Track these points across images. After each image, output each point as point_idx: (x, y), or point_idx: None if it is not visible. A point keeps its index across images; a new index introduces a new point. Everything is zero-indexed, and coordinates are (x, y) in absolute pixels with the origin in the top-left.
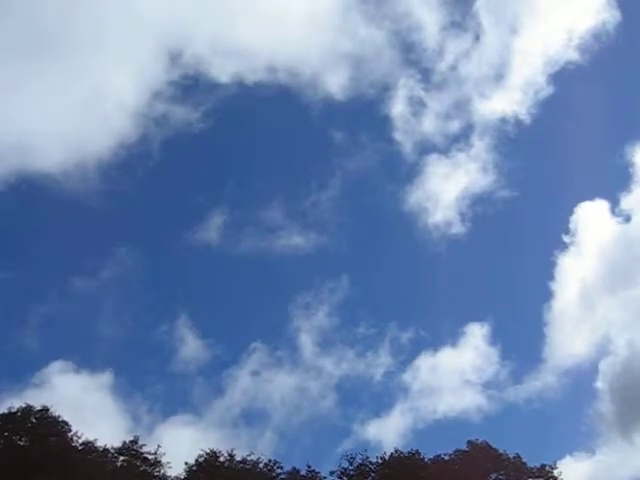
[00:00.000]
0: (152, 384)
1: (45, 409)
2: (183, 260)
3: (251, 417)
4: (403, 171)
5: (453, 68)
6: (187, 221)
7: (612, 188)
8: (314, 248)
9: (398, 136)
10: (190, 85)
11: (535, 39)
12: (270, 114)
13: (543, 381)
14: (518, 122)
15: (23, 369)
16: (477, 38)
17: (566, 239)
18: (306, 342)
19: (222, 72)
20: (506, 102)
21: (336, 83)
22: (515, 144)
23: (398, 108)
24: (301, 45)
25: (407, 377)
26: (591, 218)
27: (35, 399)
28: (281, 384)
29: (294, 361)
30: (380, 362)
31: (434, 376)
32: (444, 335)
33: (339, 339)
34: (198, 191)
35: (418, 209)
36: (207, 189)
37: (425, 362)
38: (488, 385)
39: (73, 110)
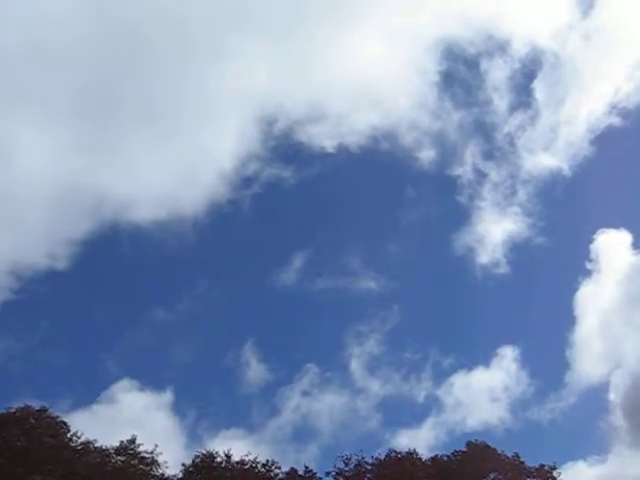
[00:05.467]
0: (212, 404)
1: (43, 409)
2: (260, 296)
3: (299, 433)
4: (460, 221)
5: (511, 142)
6: (270, 264)
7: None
8: (382, 290)
9: (461, 199)
10: (284, 148)
11: (581, 107)
12: (359, 176)
13: (565, 402)
14: (562, 177)
15: (96, 386)
16: (535, 113)
17: (589, 266)
18: (357, 365)
19: (317, 137)
20: (552, 161)
21: (425, 156)
22: (556, 196)
23: (465, 175)
24: (393, 119)
25: (441, 393)
26: (612, 246)
27: (99, 412)
28: (330, 403)
29: (343, 382)
30: (422, 384)
31: (466, 393)
32: (479, 356)
33: (386, 362)
34: (284, 241)
35: (468, 251)
36: (294, 239)
37: (459, 380)
38: (514, 403)
39: (172, 170)
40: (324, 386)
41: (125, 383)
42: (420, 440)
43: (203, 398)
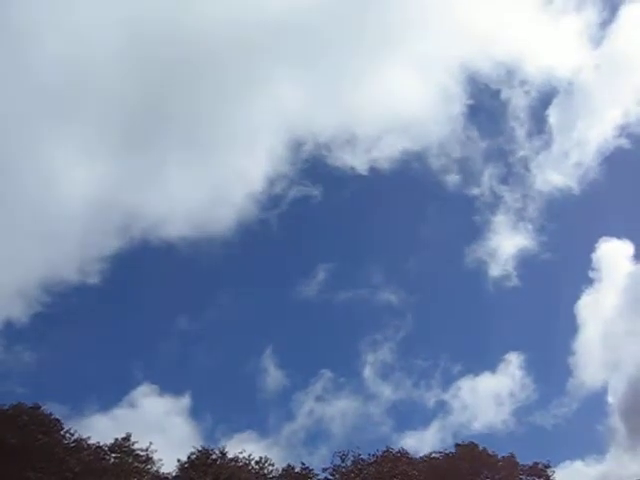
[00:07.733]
0: (230, 409)
1: (36, 406)
2: (283, 306)
3: (312, 436)
4: (474, 236)
5: (526, 165)
6: (294, 276)
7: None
8: (399, 301)
9: (477, 216)
10: (313, 169)
11: (591, 130)
12: (383, 197)
13: (568, 407)
14: (571, 196)
15: (119, 392)
16: (550, 137)
17: (591, 275)
18: (370, 372)
19: (345, 159)
20: (562, 181)
21: (450, 179)
22: (565, 213)
23: (482, 196)
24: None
25: (448, 397)
26: (614, 255)
27: (119, 416)
28: (343, 408)
29: (356, 388)
30: (432, 390)
31: (473, 397)
32: (487, 362)
33: (398, 369)
34: (310, 255)
35: (481, 264)
36: (319, 253)
37: (466, 384)
38: (519, 408)
39: (204, 190)
40: (337, 391)
41: (145, 388)
42: (426, 442)
43: (221, 403)
